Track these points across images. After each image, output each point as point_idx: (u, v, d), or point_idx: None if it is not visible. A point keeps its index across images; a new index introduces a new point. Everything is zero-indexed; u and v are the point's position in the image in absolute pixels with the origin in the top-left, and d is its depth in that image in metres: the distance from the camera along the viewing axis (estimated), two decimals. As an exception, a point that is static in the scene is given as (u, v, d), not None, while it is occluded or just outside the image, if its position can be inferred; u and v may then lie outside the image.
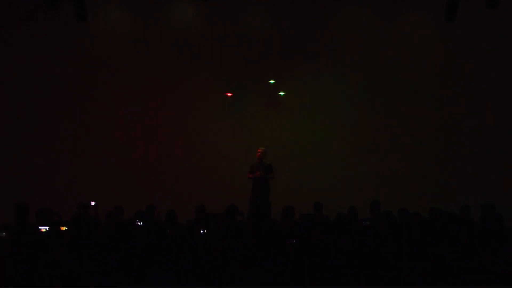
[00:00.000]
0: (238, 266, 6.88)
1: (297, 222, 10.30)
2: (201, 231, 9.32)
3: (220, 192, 14.44)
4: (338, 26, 15.48)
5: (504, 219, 9.81)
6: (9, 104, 15.36)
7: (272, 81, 15.33)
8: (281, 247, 7.59)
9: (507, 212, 10.77)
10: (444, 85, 15.45)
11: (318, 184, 14.92)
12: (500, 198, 12.98)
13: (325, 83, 15.47)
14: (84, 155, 15.29)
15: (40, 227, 9.76)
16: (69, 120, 15.39)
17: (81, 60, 15.32)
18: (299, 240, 8.06)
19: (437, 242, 7.73)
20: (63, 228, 9.75)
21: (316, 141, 15.35)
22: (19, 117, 15.38)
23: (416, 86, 15.48)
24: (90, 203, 11.53)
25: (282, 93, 15.42)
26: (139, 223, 9.97)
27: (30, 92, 15.32)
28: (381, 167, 15.29)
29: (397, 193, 14.34)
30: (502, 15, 14.73)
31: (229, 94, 15.31)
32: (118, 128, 15.44)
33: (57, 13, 14.61)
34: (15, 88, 15.34)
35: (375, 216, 10.74)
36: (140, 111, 15.48)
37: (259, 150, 13.26)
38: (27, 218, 11.17)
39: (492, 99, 15.34)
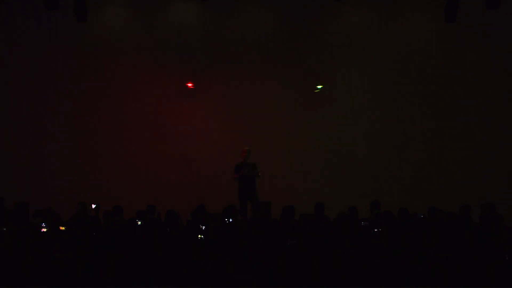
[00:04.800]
0: (238, 266, 6.89)
1: (297, 222, 10.32)
2: (201, 231, 9.32)
3: (220, 192, 14.43)
4: (338, 26, 15.47)
5: (504, 219, 9.82)
6: (9, 104, 15.37)
7: (319, 87, 15.31)
8: (281, 247, 7.59)
9: (507, 212, 10.77)
10: (444, 85, 15.44)
11: (318, 184, 14.93)
12: (500, 198, 12.98)
13: (325, 83, 15.46)
14: (84, 155, 15.29)
15: (40, 227, 9.75)
16: (69, 120, 15.39)
17: (81, 60, 15.32)
18: (299, 240, 8.06)
19: (437, 242, 7.73)
20: (62, 228, 9.76)
21: (316, 141, 15.35)
22: (19, 117, 15.38)
23: (416, 86, 15.47)
24: (91, 206, 11.53)
25: (319, 87, 15.33)
26: (139, 223, 9.97)
27: (30, 92, 15.33)
28: (381, 167, 15.29)
29: (397, 193, 14.34)
30: (502, 15, 14.73)
31: (190, 85, 15.30)
32: (118, 128, 15.43)
33: (57, 13, 14.61)
34: (15, 88, 15.35)
35: (375, 216, 10.74)
36: (140, 111, 15.48)
37: (244, 150, 13.34)
38: (27, 218, 11.19)
39: (493, 99, 15.32)
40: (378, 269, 6.52)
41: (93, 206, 11.55)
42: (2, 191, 13.26)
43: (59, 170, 15.16)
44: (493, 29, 15.08)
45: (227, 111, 15.45)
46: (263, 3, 15.50)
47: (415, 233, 8.28)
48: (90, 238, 8.24)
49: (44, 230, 9.65)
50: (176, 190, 14.91)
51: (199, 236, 8.74)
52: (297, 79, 15.46)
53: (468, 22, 14.89)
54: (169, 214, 10.15)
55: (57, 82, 15.38)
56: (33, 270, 6.23)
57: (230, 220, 10.11)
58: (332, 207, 11.47)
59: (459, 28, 14.95)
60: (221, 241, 7.89)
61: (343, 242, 7.59)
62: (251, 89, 15.43)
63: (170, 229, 9.32)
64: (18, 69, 15.33)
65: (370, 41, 15.50)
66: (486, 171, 15.00)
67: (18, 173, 15.07)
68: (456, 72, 15.40)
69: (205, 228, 9.58)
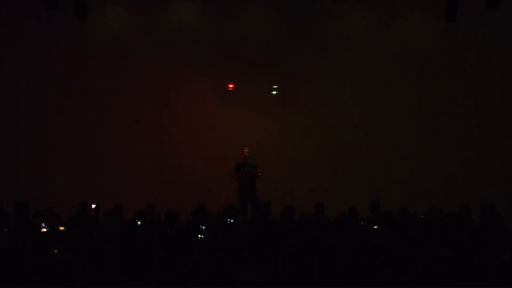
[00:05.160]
0: (238, 266, 6.89)
1: (297, 222, 10.32)
2: (201, 231, 9.32)
3: (220, 192, 14.43)
4: (338, 26, 15.47)
5: (504, 219, 9.82)
6: (9, 104, 15.37)
7: (275, 90, 15.41)
8: (281, 247, 7.59)
9: (507, 212, 10.78)
10: (444, 85, 15.44)
11: (318, 184, 14.92)
12: (500, 198, 12.98)
13: (325, 83, 15.46)
14: (84, 155, 15.28)
15: (40, 227, 9.76)
16: (69, 120, 15.39)
17: (81, 60, 15.32)
18: (299, 240, 8.06)
19: (437, 242, 7.74)
20: (62, 228, 9.76)
21: (317, 141, 15.34)
22: (19, 117, 15.38)
23: (416, 86, 15.47)
24: (91, 206, 11.54)
25: (274, 91, 15.46)
26: (139, 223, 9.97)
27: (30, 92, 15.33)
28: (381, 168, 15.29)
29: (397, 193, 14.34)
30: (502, 15, 14.73)
31: (230, 87, 15.34)
32: (118, 128, 15.43)
33: (57, 13, 14.62)
34: (15, 88, 15.35)
35: (375, 216, 10.74)
36: (140, 111, 15.48)
37: (244, 150, 13.37)
38: (27, 218, 11.20)
39: (493, 99, 15.32)
40: (378, 269, 6.52)
41: (93, 206, 11.56)
42: (2, 192, 13.29)
43: (59, 170, 15.16)
44: (493, 29, 15.07)
45: (227, 110, 15.45)
46: (263, 3, 15.49)
47: (415, 233, 8.29)
48: (90, 238, 8.25)
49: (44, 230, 9.65)
50: (176, 190, 14.91)
51: (199, 236, 8.75)
52: (297, 79, 15.46)
53: (468, 22, 14.88)
54: (169, 214, 10.16)
55: (57, 82, 15.37)
56: (33, 270, 6.23)
57: (231, 220, 10.12)
58: (332, 207, 11.48)
59: (459, 28, 14.94)
60: (221, 241, 7.89)
61: (343, 242, 7.59)
62: (251, 88, 15.42)
63: (170, 229, 9.32)
64: (18, 69, 15.32)
65: (370, 41, 15.49)
66: (486, 171, 15.00)
67: (18, 173, 15.06)
68: (456, 72, 15.39)
69: (205, 228, 9.58)
